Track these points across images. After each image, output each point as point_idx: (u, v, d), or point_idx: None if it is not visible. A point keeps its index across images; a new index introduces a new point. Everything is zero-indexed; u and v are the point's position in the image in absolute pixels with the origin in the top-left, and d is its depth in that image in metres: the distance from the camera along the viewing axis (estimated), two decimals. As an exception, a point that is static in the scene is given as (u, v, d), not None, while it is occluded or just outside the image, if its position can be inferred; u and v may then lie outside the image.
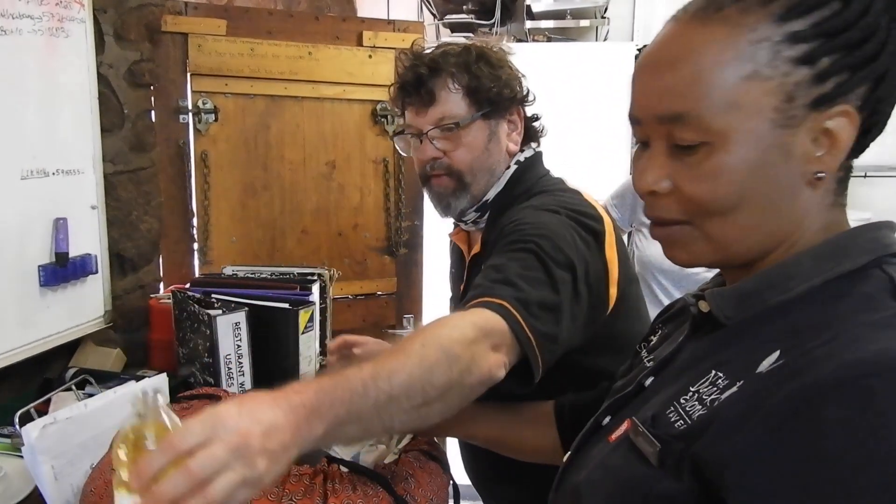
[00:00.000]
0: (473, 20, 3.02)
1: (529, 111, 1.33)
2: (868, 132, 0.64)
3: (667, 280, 1.99)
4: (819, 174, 0.62)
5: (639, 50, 2.87)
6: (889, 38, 0.61)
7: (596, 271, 1.05)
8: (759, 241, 0.65)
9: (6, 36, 1.40)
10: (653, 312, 0.98)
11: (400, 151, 1.35)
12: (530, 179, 1.26)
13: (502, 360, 0.87)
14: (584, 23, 3.17)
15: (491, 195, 1.26)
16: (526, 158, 1.28)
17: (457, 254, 1.41)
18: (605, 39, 3.28)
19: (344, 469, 1.01)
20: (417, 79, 1.22)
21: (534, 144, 1.31)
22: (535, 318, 0.91)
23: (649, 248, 2.02)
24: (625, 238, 2.16)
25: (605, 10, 3.19)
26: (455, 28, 3.09)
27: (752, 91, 0.60)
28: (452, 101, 1.22)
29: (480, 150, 1.24)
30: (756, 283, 0.66)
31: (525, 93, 1.29)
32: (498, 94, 1.23)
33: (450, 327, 0.84)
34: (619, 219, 2.10)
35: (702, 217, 0.64)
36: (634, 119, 0.67)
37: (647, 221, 2.01)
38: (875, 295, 0.59)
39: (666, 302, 1.99)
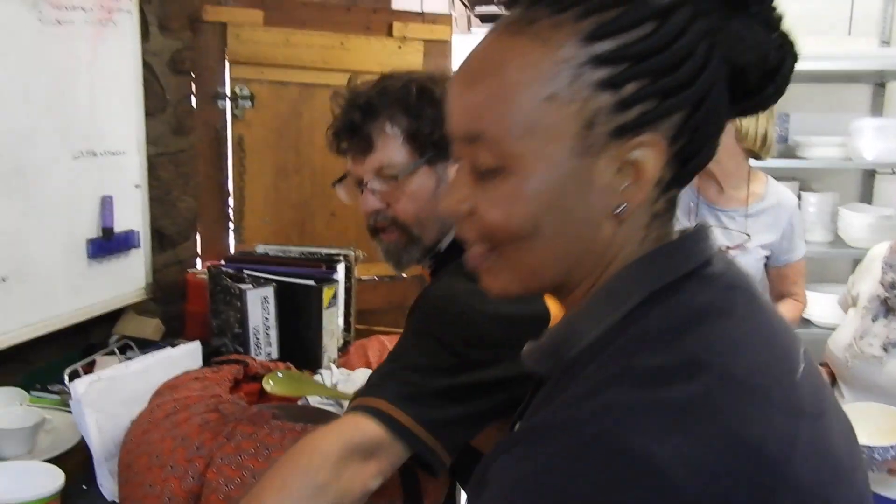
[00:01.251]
0: (504, 12, 3.08)
1: None
2: (688, 160, 0.60)
3: None
4: (621, 208, 0.58)
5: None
6: (707, 63, 0.57)
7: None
8: (561, 272, 0.61)
9: (61, 26, 1.52)
10: None
11: (343, 200, 1.24)
12: None
13: (376, 469, 0.85)
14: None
15: (444, 244, 1.14)
16: None
17: None
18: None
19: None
20: (351, 123, 1.12)
21: None
22: (423, 408, 0.87)
23: None
24: None
25: None
26: (486, 19, 3.16)
27: (552, 115, 0.56)
28: (392, 147, 1.10)
29: (426, 200, 1.11)
30: (553, 339, 0.63)
31: None
32: (442, 138, 1.00)
33: (313, 454, 0.82)
34: None
35: (501, 243, 0.60)
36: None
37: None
38: (626, 347, 0.55)
39: None
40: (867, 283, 1.88)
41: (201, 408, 1.13)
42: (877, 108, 3.07)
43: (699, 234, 0.62)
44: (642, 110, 0.56)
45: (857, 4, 3.00)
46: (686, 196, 2.07)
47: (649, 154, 0.57)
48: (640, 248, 0.61)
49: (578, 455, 0.49)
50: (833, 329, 1.92)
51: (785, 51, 0.60)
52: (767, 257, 2.04)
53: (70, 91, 1.57)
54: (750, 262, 2.01)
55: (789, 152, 2.95)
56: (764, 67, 0.60)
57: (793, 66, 0.61)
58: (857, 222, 2.85)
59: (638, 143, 0.56)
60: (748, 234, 2.00)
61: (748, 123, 1.92)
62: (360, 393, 0.92)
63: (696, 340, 0.54)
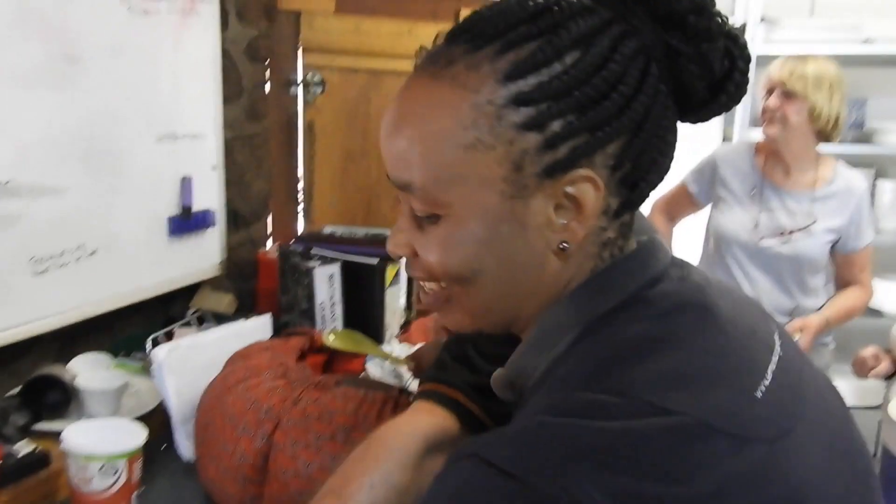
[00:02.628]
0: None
1: None
2: (636, 185, 0.57)
3: (742, 253, 2.03)
4: (563, 245, 0.56)
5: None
6: (643, 85, 0.54)
7: None
8: (511, 309, 0.60)
9: (148, 16, 1.61)
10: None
11: None
12: None
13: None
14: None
15: None
16: None
17: None
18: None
19: (412, 400, 1.16)
20: None
21: None
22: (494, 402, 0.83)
23: (726, 223, 2.06)
24: (705, 211, 2.21)
25: None
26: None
27: (477, 162, 0.54)
28: None
29: None
30: (510, 371, 0.63)
31: None
32: None
33: (396, 451, 0.75)
34: (698, 192, 2.15)
35: (446, 284, 0.60)
36: None
37: (725, 196, 2.05)
38: (553, 386, 0.54)
39: (739, 275, 2.04)
40: None
41: (270, 375, 1.20)
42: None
43: (644, 253, 0.60)
44: (572, 146, 0.53)
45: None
46: (751, 178, 2.04)
47: (586, 188, 0.54)
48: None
49: (490, 486, 0.47)
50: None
51: (733, 57, 0.57)
52: (834, 243, 2.00)
53: (155, 77, 1.67)
54: (815, 246, 1.97)
55: (865, 138, 2.84)
56: (711, 79, 0.57)
57: (746, 70, 0.58)
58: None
59: (571, 180, 0.54)
60: (814, 218, 1.96)
61: (822, 103, 1.88)
62: (430, 376, 0.90)
63: (623, 376, 0.51)
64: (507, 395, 0.65)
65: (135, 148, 1.63)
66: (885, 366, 1.80)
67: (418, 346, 1.62)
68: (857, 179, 2.01)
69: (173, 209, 1.76)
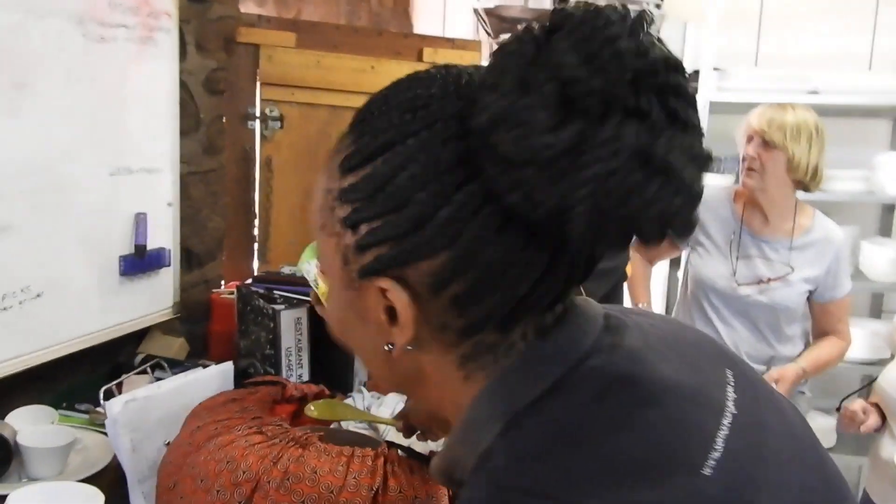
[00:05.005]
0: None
1: None
2: (485, 304, 0.51)
3: (718, 300, 2.03)
4: (387, 346, 0.55)
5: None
6: (455, 196, 0.48)
7: None
8: (399, 388, 0.63)
9: (104, 43, 1.52)
10: (704, 331, 0.97)
11: None
12: None
13: None
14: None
15: None
16: None
17: None
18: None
19: (401, 454, 1.08)
20: None
21: None
22: None
23: (704, 269, 2.06)
24: (683, 255, 2.21)
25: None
26: (508, 47, 3.18)
27: (325, 244, 0.55)
28: None
29: None
30: (442, 462, 0.60)
31: None
32: None
33: None
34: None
35: None
36: None
37: (703, 241, 2.04)
38: (478, 482, 0.52)
39: (717, 322, 2.03)
40: None
41: (244, 430, 1.11)
42: (896, 143, 3.08)
43: (568, 332, 0.54)
44: (376, 254, 0.51)
45: (877, 40, 3.02)
46: (729, 224, 2.05)
47: (396, 298, 0.51)
48: (472, 381, 0.55)
49: None
50: (869, 364, 1.89)
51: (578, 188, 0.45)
52: (811, 292, 2.01)
53: (110, 107, 1.57)
54: (792, 296, 1.98)
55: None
56: (533, 213, 0.46)
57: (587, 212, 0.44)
58: (879, 256, 2.84)
59: (379, 288, 0.52)
60: (791, 267, 1.97)
61: (800, 154, 1.89)
62: None
63: (548, 475, 0.48)
64: (448, 484, 0.64)
65: (86, 182, 1.52)
66: (873, 419, 1.79)
67: (390, 396, 1.54)
68: (836, 229, 2.02)
69: (126, 248, 1.65)
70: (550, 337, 0.54)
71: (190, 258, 1.96)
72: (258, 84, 2.15)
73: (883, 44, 3.02)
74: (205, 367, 1.53)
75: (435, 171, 0.48)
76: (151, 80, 1.68)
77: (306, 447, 1.05)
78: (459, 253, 0.49)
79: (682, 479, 0.47)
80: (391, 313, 0.53)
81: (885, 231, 3.14)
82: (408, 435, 1.13)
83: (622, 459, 0.47)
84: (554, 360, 0.53)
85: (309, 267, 1.49)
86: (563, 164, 0.43)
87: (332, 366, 1.61)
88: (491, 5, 3.05)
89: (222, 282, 2.13)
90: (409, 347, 0.54)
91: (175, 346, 1.88)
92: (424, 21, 3.48)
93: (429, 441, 1.29)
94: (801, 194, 2.02)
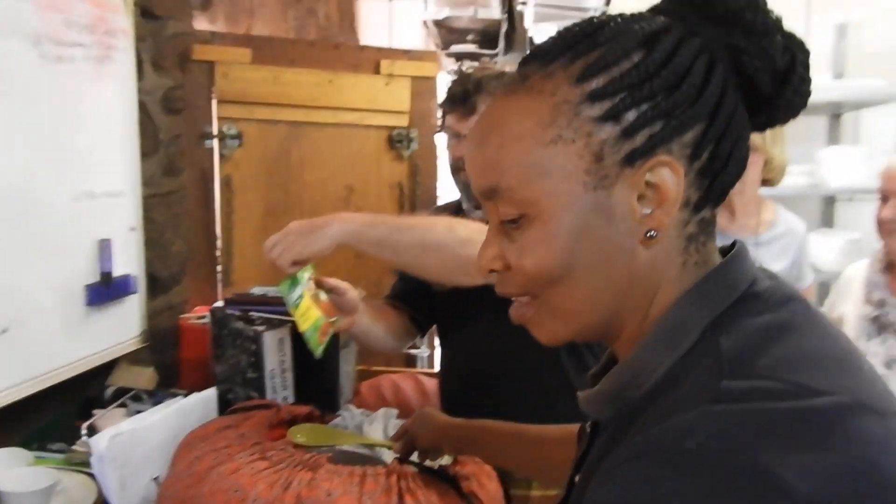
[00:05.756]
0: (477, 50, 3.12)
1: None
2: (715, 176, 0.59)
3: None
4: (650, 233, 0.58)
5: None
6: (710, 77, 0.58)
7: None
8: (605, 309, 0.61)
9: (62, 63, 1.45)
10: None
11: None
12: None
13: None
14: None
15: None
16: None
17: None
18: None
19: (413, 469, 1.06)
20: (464, 92, 1.47)
21: None
22: None
23: None
24: None
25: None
26: (459, 58, 3.19)
27: (558, 156, 0.58)
28: None
29: None
30: (613, 383, 0.62)
31: None
32: None
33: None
34: None
35: (539, 290, 0.61)
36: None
37: None
38: (701, 378, 0.54)
39: None
40: (849, 304, 1.93)
41: (246, 457, 1.06)
42: (833, 138, 3.21)
43: (742, 253, 0.62)
44: (649, 133, 0.57)
45: (811, 41, 3.15)
46: None
47: (666, 174, 0.57)
48: (683, 274, 0.60)
49: (686, 470, 0.48)
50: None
51: (792, 50, 0.59)
52: None
53: (69, 129, 1.50)
54: None
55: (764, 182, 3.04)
56: (773, 72, 0.59)
57: (807, 63, 0.60)
58: (825, 247, 2.95)
59: (652, 166, 0.57)
60: (758, 263, 2.01)
61: (777, 155, 1.94)
62: None
63: (766, 362, 0.53)
64: (604, 412, 0.64)
65: (48, 208, 1.45)
66: None
67: (380, 412, 1.51)
68: (797, 222, 2.07)
69: (90, 276, 1.57)
70: (736, 255, 0.62)
71: (154, 284, 1.89)
72: (214, 102, 2.09)
73: (816, 45, 3.15)
74: (182, 395, 1.47)
75: (692, 58, 0.57)
76: (110, 100, 1.62)
77: (316, 470, 1.02)
78: (714, 123, 0.58)
79: (861, 374, 0.55)
80: (652, 197, 0.58)
81: (826, 223, 3.27)
82: (405, 456, 1.10)
83: (818, 352, 0.55)
84: (742, 274, 0.60)
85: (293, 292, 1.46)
86: (781, 33, 0.59)
87: (316, 386, 1.57)
88: (440, 17, 3.06)
89: (187, 307, 2.05)
90: (653, 233, 0.58)
91: (145, 377, 1.80)
92: (370, 33, 3.46)
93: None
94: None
